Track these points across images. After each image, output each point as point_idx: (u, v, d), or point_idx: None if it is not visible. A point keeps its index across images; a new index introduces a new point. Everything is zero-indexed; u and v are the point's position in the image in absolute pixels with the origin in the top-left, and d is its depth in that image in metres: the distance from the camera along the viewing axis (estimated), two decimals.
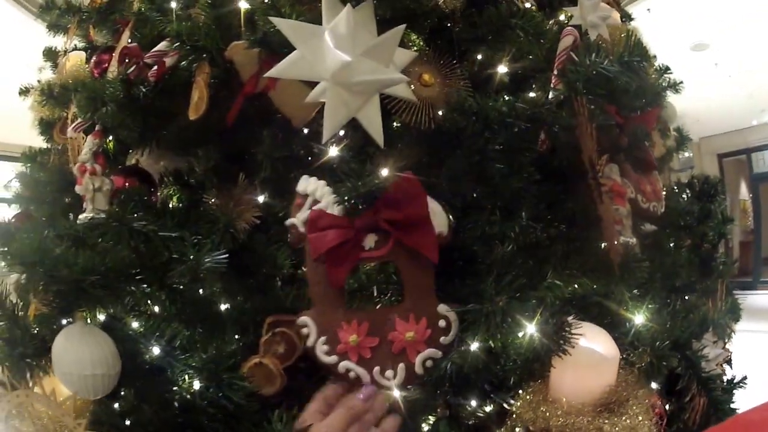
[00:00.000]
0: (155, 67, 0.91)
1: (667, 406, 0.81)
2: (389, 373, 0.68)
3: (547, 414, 0.71)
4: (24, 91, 1.36)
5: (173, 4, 1.10)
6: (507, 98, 0.79)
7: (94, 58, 1.19)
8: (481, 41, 0.90)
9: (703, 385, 0.78)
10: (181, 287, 0.78)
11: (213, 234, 0.77)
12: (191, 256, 0.73)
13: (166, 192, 0.93)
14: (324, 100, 0.74)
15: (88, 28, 1.27)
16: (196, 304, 0.80)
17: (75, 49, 1.29)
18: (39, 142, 1.35)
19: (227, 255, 0.74)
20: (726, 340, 0.89)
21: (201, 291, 0.80)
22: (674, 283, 0.87)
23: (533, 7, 0.99)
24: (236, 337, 0.78)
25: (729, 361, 1.00)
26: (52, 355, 0.76)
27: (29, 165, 1.26)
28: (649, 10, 3.43)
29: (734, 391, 0.93)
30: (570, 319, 0.71)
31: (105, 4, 1.20)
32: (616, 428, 0.69)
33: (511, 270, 0.75)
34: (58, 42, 1.44)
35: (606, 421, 0.69)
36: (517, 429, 0.73)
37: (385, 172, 0.68)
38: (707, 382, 0.78)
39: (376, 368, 0.68)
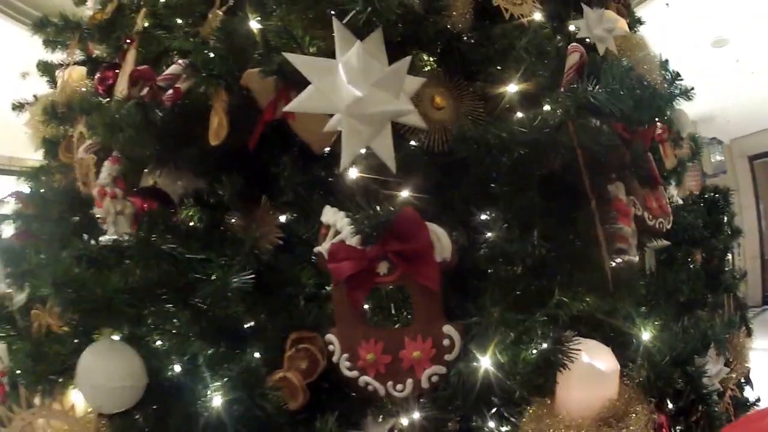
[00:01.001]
0: (170, 91, 1.09)
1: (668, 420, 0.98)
2: (399, 387, 0.87)
3: (551, 428, 0.89)
4: (18, 106, 1.54)
5: (179, 21, 1.28)
6: (503, 124, 0.96)
7: (97, 74, 1.38)
8: (489, 61, 1.07)
9: (702, 401, 0.95)
10: (205, 306, 0.97)
11: (238, 255, 0.95)
12: (218, 277, 0.91)
13: (187, 213, 1.11)
14: (340, 129, 0.92)
15: (87, 43, 1.45)
16: (219, 322, 0.98)
17: (74, 63, 1.47)
18: (27, 153, 1.54)
19: (253, 276, 0.93)
20: (728, 355, 1.05)
21: (224, 309, 0.99)
22: (678, 298, 1.04)
23: (541, 20, 1.16)
24: (259, 353, 0.96)
25: (747, 379, 1.15)
26: (78, 369, 0.94)
27: (31, 182, 1.44)
28: (667, 4, 3.56)
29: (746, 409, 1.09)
30: (571, 334, 0.89)
31: (106, 21, 1.37)
32: None
33: (518, 287, 0.93)
34: (51, 54, 1.62)
35: None
36: None
37: (390, 204, 0.87)
38: (707, 398, 0.95)
39: (390, 383, 0.87)
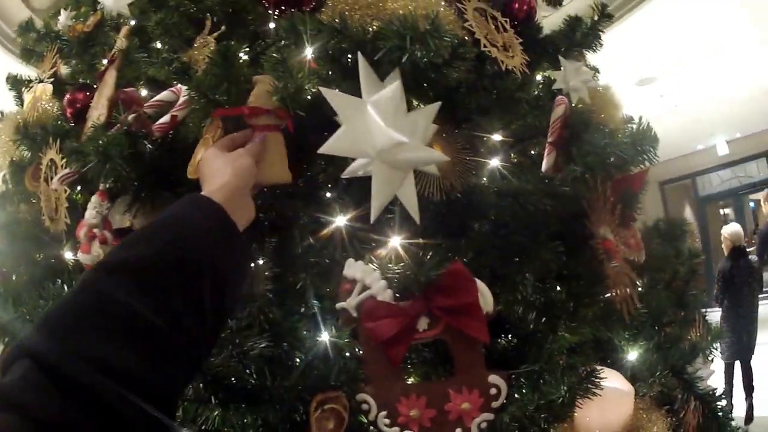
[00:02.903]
0: (166, 119, 0.81)
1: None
2: None
3: None
4: None
5: (158, 45, 0.99)
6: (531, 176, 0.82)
7: (67, 96, 1.04)
8: (481, 109, 0.91)
9: (701, 401, 0.87)
10: (215, 370, 0.72)
11: (246, 314, 0.71)
12: (235, 344, 0.67)
13: None
14: (361, 174, 0.71)
15: (57, 59, 1.10)
16: (229, 384, 0.74)
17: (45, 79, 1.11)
18: None
19: (270, 338, 0.69)
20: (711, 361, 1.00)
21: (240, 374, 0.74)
22: (662, 320, 0.96)
23: (520, 69, 1.01)
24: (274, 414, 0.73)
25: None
26: None
27: None
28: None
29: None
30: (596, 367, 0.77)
31: (85, 35, 1.04)
32: None
33: (534, 329, 0.78)
34: (25, 67, 1.24)
35: None
36: None
37: (439, 259, 0.68)
38: (704, 398, 0.87)
39: None
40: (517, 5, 1.13)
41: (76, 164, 0.86)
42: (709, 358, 1.02)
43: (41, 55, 1.15)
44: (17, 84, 1.19)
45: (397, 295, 0.70)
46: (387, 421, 0.70)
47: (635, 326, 0.90)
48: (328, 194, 0.81)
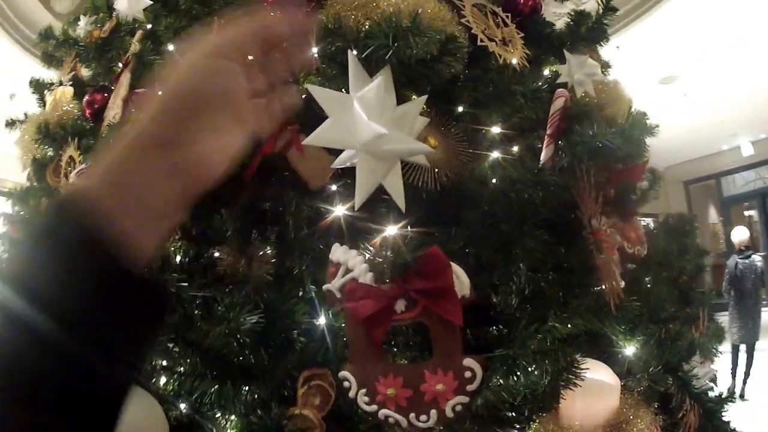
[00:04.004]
0: None
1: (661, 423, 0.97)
2: (423, 417, 0.79)
3: None
4: (10, 124, 1.35)
5: (170, 48, 1.15)
6: (510, 163, 0.91)
7: (86, 97, 1.21)
8: (480, 103, 1.01)
9: (697, 400, 0.94)
10: (212, 346, 0.85)
11: (238, 293, 0.84)
12: (230, 319, 0.80)
13: (174, 247, 0.98)
14: (348, 166, 0.83)
15: (76, 63, 1.28)
16: (225, 360, 0.87)
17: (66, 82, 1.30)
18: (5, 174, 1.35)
19: (263, 315, 0.82)
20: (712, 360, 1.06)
21: (233, 349, 0.87)
22: (660, 315, 1.03)
23: (520, 63, 1.11)
24: (265, 390, 0.85)
25: (714, 379, 1.19)
26: None
27: (18, 204, 1.26)
28: (618, 47, 3.72)
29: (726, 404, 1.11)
30: (578, 356, 0.85)
31: (102, 40, 1.21)
32: None
33: (519, 317, 0.88)
34: (42, 72, 1.44)
35: None
36: None
37: (409, 243, 0.79)
38: (699, 397, 0.94)
39: (412, 414, 0.79)
40: (521, 0, 1.24)
41: (92, 160, 1.02)
42: (711, 357, 1.07)
43: (61, 60, 1.33)
44: (40, 87, 1.38)
45: (387, 280, 0.81)
46: (366, 399, 0.80)
47: (631, 320, 0.98)
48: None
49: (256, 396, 0.84)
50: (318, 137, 0.81)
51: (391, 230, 0.86)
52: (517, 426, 0.91)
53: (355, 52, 0.87)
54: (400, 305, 0.79)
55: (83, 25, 1.38)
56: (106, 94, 1.20)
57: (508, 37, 1.11)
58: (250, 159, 0.89)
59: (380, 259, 0.79)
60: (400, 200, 0.83)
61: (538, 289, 0.93)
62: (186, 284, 0.82)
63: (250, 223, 0.93)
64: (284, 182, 0.92)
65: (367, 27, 0.93)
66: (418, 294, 0.78)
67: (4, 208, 1.39)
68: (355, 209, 0.82)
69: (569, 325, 0.91)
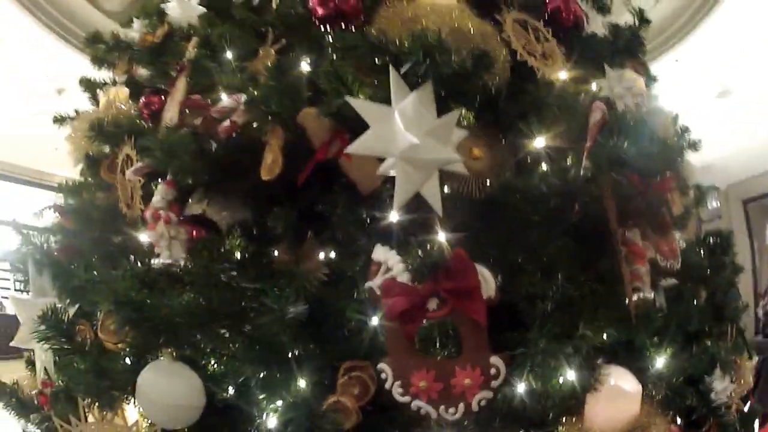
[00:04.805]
0: (227, 123, 1.13)
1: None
2: (452, 410, 0.93)
3: None
4: (60, 120, 1.55)
5: (228, 55, 1.33)
6: (544, 173, 1.05)
7: (142, 98, 1.41)
8: (522, 116, 1.15)
9: (713, 413, 1.05)
10: (260, 333, 1.01)
11: (289, 287, 1.00)
12: (276, 307, 0.96)
13: (234, 243, 1.15)
14: (393, 174, 0.98)
15: (130, 65, 1.48)
16: (272, 348, 1.03)
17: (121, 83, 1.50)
18: (54, 168, 1.56)
19: (307, 306, 0.98)
20: (733, 374, 1.17)
21: (278, 337, 1.03)
22: (688, 329, 1.14)
23: (567, 79, 1.25)
24: (309, 379, 1.01)
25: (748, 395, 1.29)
26: (140, 386, 0.97)
27: (71, 197, 1.46)
28: (677, 60, 3.79)
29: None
30: (599, 362, 0.98)
31: (156, 45, 1.41)
32: None
33: (549, 323, 1.01)
34: (88, 70, 1.65)
35: None
36: None
37: (444, 246, 0.94)
38: (716, 411, 1.05)
39: (442, 407, 0.93)
40: (564, 14, 1.37)
41: (148, 159, 1.21)
42: (731, 374, 1.17)
43: (113, 63, 1.54)
44: (91, 86, 1.59)
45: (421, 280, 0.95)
46: (400, 390, 0.95)
47: (659, 331, 1.09)
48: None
49: (298, 383, 1.00)
50: (359, 146, 0.97)
51: (429, 234, 1.00)
52: (543, 429, 1.04)
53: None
54: (432, 304, 0.94)
55: (138, 28, 1.59)
56: (162, 97, 1.40)
57: (548, 52, 1.24)
58: (304, 164, 1.05)
59: (415, 260, 0.93)
60: (437, 206, 0.98)
61: (569, 296, 1.06)
62: (240, 276, 0.99)
63: (305, 224, 1.09)
64: (337, 187, 1.08)
65: (406, 43, 1.08)
66: (447, 293, 0.93)
67: (52, 201, 1.60)
68: (394, 213, 0.97)
69: (602, 335, 1.05)
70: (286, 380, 1.01)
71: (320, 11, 1.19)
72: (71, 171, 1.74)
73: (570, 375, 0.97)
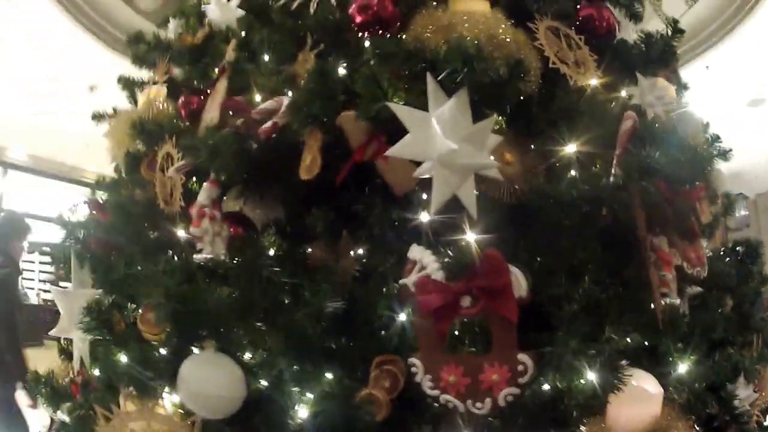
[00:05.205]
0: (268, 124, 1.23)
1: None
2: (479, 405, 1.02)
3: None
4: (98, 117, 1.67)
5: (267, 58, 1.44)
6: (574, 179, 1.13)
7: (181, 98, 1.52)
8: (553, 123, 1.23)
9: (736, 421, 1.12)
10: (295, 327, 1.11)
11: (325, 283, 1.10)
12: (313, 302, 1.06)
13: (269, 240, 1.25)
14: (429, 176, 1.07)
15: (170, 65, 1.60)
16: (306, 342, 1.12)
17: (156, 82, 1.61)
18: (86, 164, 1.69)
19: (343, 302, 1.08)
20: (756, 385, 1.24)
21: (314, 330, 1.13)
22: (712, 336, 1.21)
23: (598, 87, 1.33)
24: (341, 372, 1.10)
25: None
26: (182, 376, 1.07)
27: (108, 193, 1.57)
28: (707, 67, 3.84)
29: None
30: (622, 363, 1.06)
31: (196, 46, 1.52)
32: None
33: (575, 324, 1.09)
34: (121, 68, 1.77)
35: None
36: None
37: (476, 246, 1.03)
38: (739, 418, 1.12)
39: (469, 401, 1.02)
40: (596, 21, 1.45)
41: (190, 157, 1.32)
42: (754, 383, 1.24)
43: (153, 61, 1.65)
44: (129, 85, 1.71)
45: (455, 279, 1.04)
46: (430, 384, 1.04)
47: (683, 337, 1.17)
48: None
49: (332, 376, 1.09)
50: (399, 149, 1.06)
51: (463, 235, 1.09)
52: (566, 428, 1.12)
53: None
54: (465, 301, 1.03)
55: (173, 28, 1.70)
56: (201, 97, 1.51)
57: (581, 59, 1.33)
58: (341, 165, 1.15)
59: (449, 259, 1.02)
60: (472, 208, 1.07)
61: (595, 299, 1.14)
62: (280, 272, 1.09)
63: (341, 224, 1.19)
64: (373, 188, 1.18)
65: (443, 51, 1.17)
66: (480, 291, 1.02)
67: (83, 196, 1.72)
68: (431, 215, 1.06)
69: (628, 338, 1.12)
70: (318, 373, 1.11)
71: (359, 18, 1.29)
72: (101, 167, 1.87)
73: (593, 376, 1.05)
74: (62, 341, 1.61)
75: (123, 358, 1.29)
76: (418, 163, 1.11)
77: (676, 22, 1.42)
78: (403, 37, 1.28)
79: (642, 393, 1.09)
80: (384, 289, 1.16)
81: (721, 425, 1.17)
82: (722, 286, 1.30)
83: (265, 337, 1.13)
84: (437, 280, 1.04)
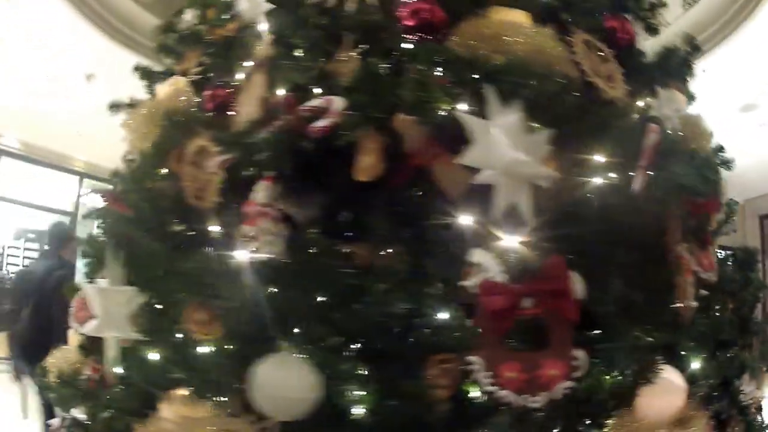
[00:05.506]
0: (319, 123, 1.29)
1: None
2: (534, 398, 1.14)
3: (635, 428, 1.22)
4: (115, 106, 1.66)
5: (298, 53, 1.48)
6: (607, 189, 1.28)
7: (208, 90, 1.54)
8: (587, 134, 1.36)
9: (742, 413, 1.31)
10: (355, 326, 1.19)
11: (388, 282, 1.18)
12: (382, 301, 1.14)
13: (310, 236, 1.30)
14: (488, 183, 1.18)
15: (196, 57, 1.60)
16: (365, 340, 1.20)
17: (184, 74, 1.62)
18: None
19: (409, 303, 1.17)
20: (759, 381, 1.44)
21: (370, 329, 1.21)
22: (719, 337, 1.40)
23: (620, 94, 1.47)
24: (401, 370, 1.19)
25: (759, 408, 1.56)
26: (258, 379, 1.11)
27: (131, 186, 1.57)
28: (704, 70, 4.13)
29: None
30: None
31: (227, 39, 1.54)
32: None
33: (614, 324, 1.24)
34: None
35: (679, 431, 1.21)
36: None
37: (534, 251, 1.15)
38: (745, 410, 1.31)
39: (526, 395, 1.14)
40: (619, 33, 1.59)
41: (233, 152, 1.36)
42: (758, 379, 1.45)
43: (179, 53, 1.65)
44: (148, 75, 1.70)
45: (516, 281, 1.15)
46: (489, 380, 1.15)
47: (696, 337, 1.34)
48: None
49: (389, 374, 1.18)
50: (468, 157, 1.16)
51: (517, 239, 1.21)
52: (600, 418, 1.27)
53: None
54: (527, 302, 1.15)
55: (189, 19, 1.70)
56: (228, 90, 1.54)
57: (610, 73, 1.46)
58: (398, 168, 1.23)
59: (512, 263, 1.14)
60: (528, 215, 1.18)
61: (629, 301, 1.29)
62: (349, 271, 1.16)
63: (393, 224, 1.27)
64: (425, 191, 1.27)
65: (498, 63, 1.27)
66: (542, 294, 1.14)
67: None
68: (493, 221, 1.17)
69: (651, 337, 1.28)
70: (377, 370, 1.19)
71: (410, 21, 1.36)
72: (93, 155, 1.85)
73: (630, 370, 1.20)
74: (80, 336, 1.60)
75: (156, 358, 1.33)
76: (471, 169, 1.21)
77: (693, 38, 1.58)
78: (448, 43, 1.37)
79: (670, 385, 1.25)
80: (428, 290, 1.26)
81: (726, 418, 1.35)
82: (726, 290, 1.49)
83: (321, 335, 1.20)
84: (501, 283, 1.14)
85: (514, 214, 1.19)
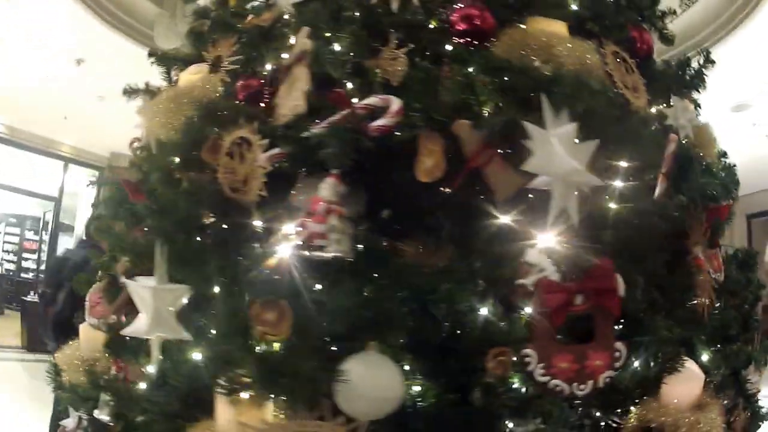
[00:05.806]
0: (379, 122, 1.36)
1: None
2: (582, 387, 1.29)
3: (662, 412, 1.40)
4: (130, 91, 1.66)
5: (337, 47, 1.55)
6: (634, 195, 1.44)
7: (240, 81, 1.58)
8: (610, 140, 1.51)
9: (747, 400, 1.51)
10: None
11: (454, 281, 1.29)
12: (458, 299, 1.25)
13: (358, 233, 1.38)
14: (544, 188, 1.30)
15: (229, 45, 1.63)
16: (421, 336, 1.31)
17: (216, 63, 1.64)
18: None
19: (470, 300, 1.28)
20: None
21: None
22: (725, 333, 1.60)
23: (643, 104, 1.63)
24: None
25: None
26: (348, 378, 1.17)
27: (154, 176, 1.58)
28: None
29: None
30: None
31: (263, 29, 1.57)
32: (704, 420, 1.39)
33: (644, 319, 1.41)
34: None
35: (699, 415, 1.39)
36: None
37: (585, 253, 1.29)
38: (750, 398, 1.52)
39: (575, 384, 1.29)
40: (638, 44, 1.75)
41: (285, 146, 1.42)
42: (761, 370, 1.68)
43: (209, 40, 1.66)
44: (166, 60, 1.70)
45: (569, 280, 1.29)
46: (542, 371, 1.29)
47: (708, 332, 1.54)
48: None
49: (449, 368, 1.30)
50: (532, 165, 1.27)
51: (563, 240, 1.34)
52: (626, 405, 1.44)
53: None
54: (579, 299, 1.29)
55: (207, 6, 1.72)
56: (261, 81, 1.58)
57: (635, 84, 1.62)
58: (457, 171, 1.33)
59: (563, 263, 1.27)
60: (575, 219, 1.32)
61: (652, 298, 1.46)
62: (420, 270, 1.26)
63: (450, 225, 1.37)
64: (475, 192, 1.38)
65: (550, 73, 1.39)
66: (592, 292, 1.28)
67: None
68: (549, 225, 1.30)
69: (672, 332, 1.46)
70: (435, 363, 1.30)
71: (461, 26, 1.46)
72: (80, 140, 1.84)
73: (659, 360, 1.38)
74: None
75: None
76: (524, 173, 1.33)
77: (708, 52, 1.76)
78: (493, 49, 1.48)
79: (692, 374, 1.43)
80: (471, 286, 1.38)
81: (733, 405, 1.56)
82: (730, 289, 1.69)
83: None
84: (557, 281, 1.28)
85: (564, 217, 1.33)
